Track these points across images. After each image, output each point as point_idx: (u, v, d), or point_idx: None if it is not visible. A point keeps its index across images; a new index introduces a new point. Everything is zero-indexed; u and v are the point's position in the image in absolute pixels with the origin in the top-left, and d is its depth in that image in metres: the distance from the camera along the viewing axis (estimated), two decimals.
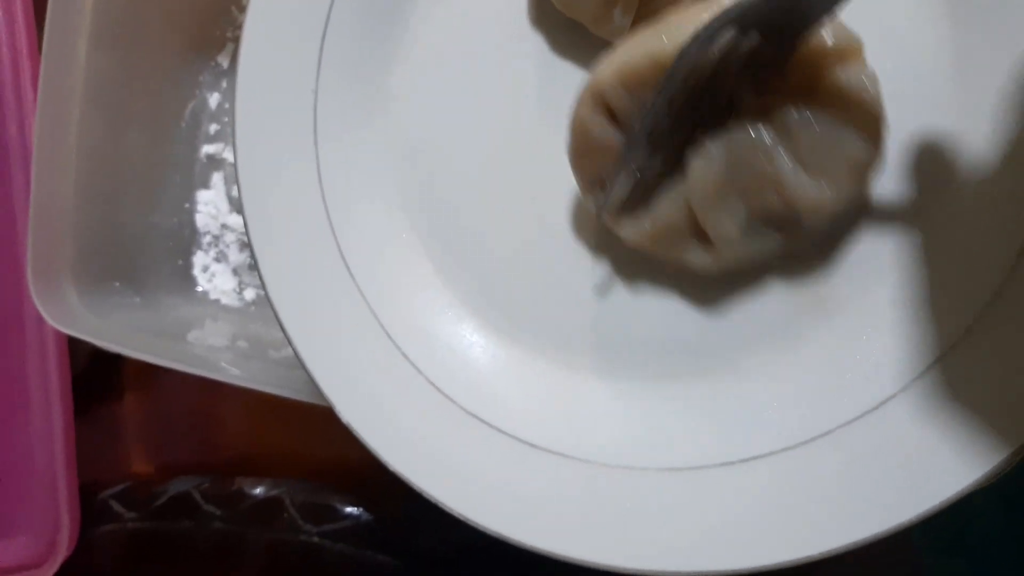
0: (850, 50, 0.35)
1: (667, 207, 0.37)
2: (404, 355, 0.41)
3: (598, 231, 0.41)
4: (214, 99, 0.63)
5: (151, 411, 0.63)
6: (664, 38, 0.35)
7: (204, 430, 0.62)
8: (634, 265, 0.41)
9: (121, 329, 0.53)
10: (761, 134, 0.35)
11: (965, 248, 0.36)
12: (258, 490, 0.55)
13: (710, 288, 0.40)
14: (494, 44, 0.43)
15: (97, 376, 0.62)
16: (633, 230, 0.38)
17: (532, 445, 0.39)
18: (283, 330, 0.40)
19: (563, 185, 0.41)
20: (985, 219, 0.36)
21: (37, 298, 0.50)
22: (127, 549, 0.56)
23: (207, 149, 0.62)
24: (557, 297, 0.41)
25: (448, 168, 0.44)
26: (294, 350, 0.40)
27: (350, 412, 0.39)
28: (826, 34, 0.35)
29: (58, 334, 0.53)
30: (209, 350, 0.54)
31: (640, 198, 0.38)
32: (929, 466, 0.34)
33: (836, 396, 0.36)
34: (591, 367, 0.41)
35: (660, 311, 0.40)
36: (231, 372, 0.49)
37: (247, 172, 0.42)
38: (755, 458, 0.37)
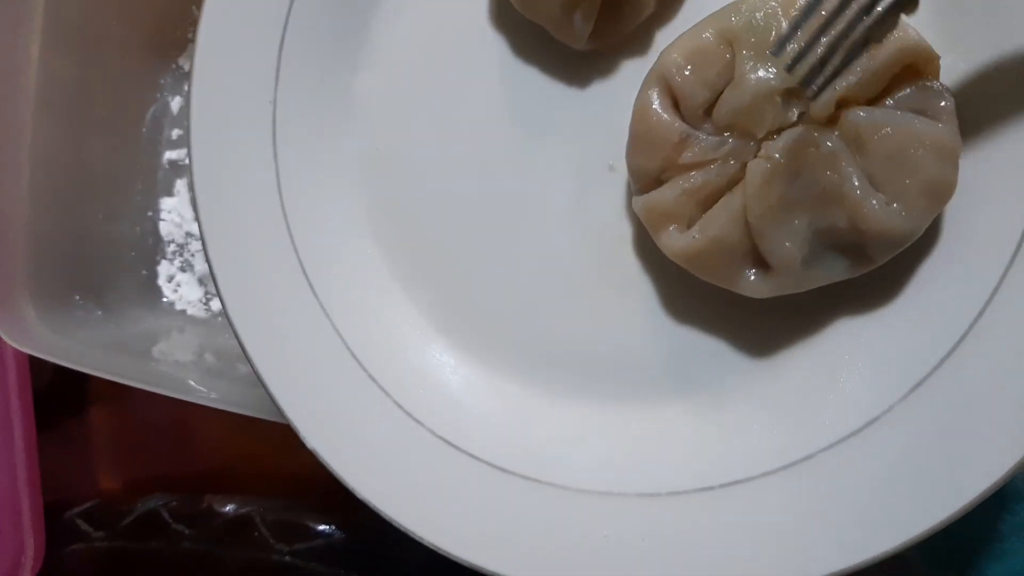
0: (928, 63, 0.34)
1: (721, 219, 0.35)
2: (370, 376, 0.41)
3: (574, 246, 0.41)
4: (176, 103, 0.62)
5: (119, 424, 0.63)
6: (733, 18, 0.35)
7: (174, 443, 0.62)
8: (611, 284, 0.41)
9: (83, 346, 0.52)
10: (827, 138, 0.34)
11: (946, 272, 0.36)
12: (228, 508, 0.54)
13: (689, 309, 0.40)
14: (456, 47, 0.43)
15: (62, 389, 0.61)
16: (679, 241, 0.36)
17: (504, 470, 0.39)
18: (244, 353, 0.40)
19: (534, 194, 0.41)
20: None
21: None
22: (94, 569, 0.56)
23: (170, 155, 0.61)
24: (530, 316, 0.41)
25: (413, 177, 0.43)
26: (256, 374, 0.39)
27: (315, 437, 0.39)
28: (902, 45, 0.34)
29: (17, 352, 0.52)
30: (176, 366, 0.53)
31: (694, 207, 0.36)
32: (914, 491, 0.34)
33: (817, 420, 0.36)
34: (565, 389, 0.40)
35: (637, 332, 0.40)
36: (198, 392, 0.48)
37: (204, 189, 0.41)
38: (736, 483, 0.36)
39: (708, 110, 0.36)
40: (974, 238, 0.36)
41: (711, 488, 0.36)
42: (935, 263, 0.37)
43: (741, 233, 0.35)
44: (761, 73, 0.34)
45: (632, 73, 0.41)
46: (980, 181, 0.36)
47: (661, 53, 0.37)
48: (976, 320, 0.35)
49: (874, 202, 0.34)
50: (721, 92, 0.35)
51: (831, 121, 0.34)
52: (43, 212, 0.53)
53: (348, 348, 0.41)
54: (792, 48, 0.33)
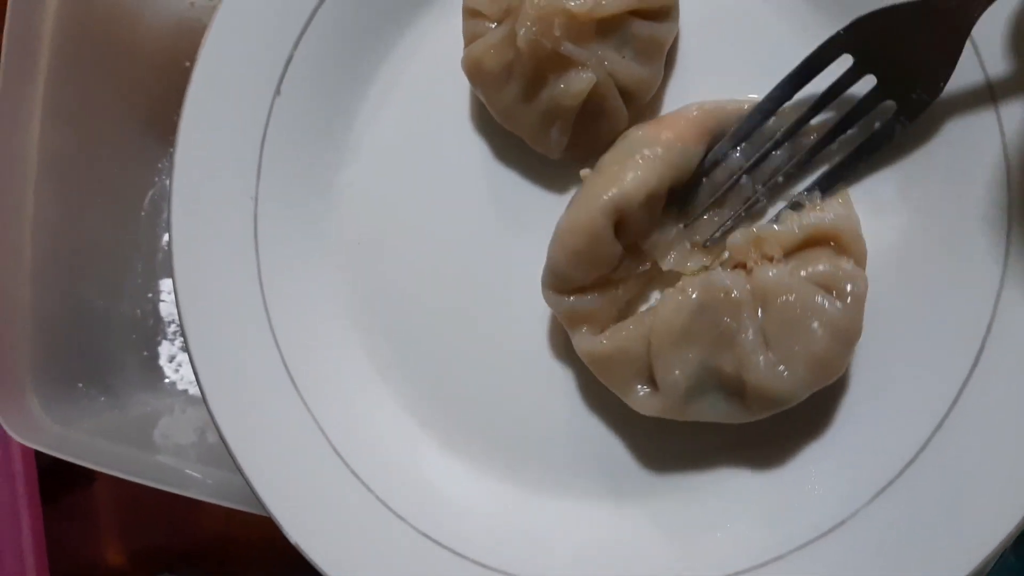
0: (852, 242, 0.36)
1: (629, 333, 0.38)
2: (353, 472, 0.42)
3: (553, 342, 0.42)
4: None
5: (124, 497, 0.65)
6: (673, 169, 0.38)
7: (179, 514, 0.63)
8: (590, 382, 0.41)
9: (86, 436, 0.54)
10: (738, 287, 0.36)
11: (912, 377, 0.38)
12: None
13: None
14: (437, 150, 0.44)
15: (68, 463, 0.62)
16: (589, 343, 0.38)
17: (486, 567, 0.40)
18: (227, 449, 0.41)
19: (512, 293, 0.43)
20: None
21: None
22: None
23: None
24: (510, 411, 0.42)
25: (394, 273, 0.45)
26: (239, 469, 0.41)
27: (298, 532, 0.40)
28: (831, 218, 0.36)
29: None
30: (176, 452, 0.54)
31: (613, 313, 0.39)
32: None
33: (789, 520, 0.37)
34: (545, 484, 0.41)
35: (617, 431, 0.41)
36: (196, 484, 0.49)
37: (185, 285, 0.42)
38: None
39: (636, 243, 0.39)
40: (936, 348, 0.37)
41: None
42: (899, 368, 0.38)
43: (643, 350, 0.37)
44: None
45: None
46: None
47: (623, 183, 0.38)
48: (940, 425, 0.36)
49: (761, 358, 0.36)
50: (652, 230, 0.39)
51: (749, 269, 0.37)
52: (46, 299, 0.55)
53: (330, 443, 0.42)
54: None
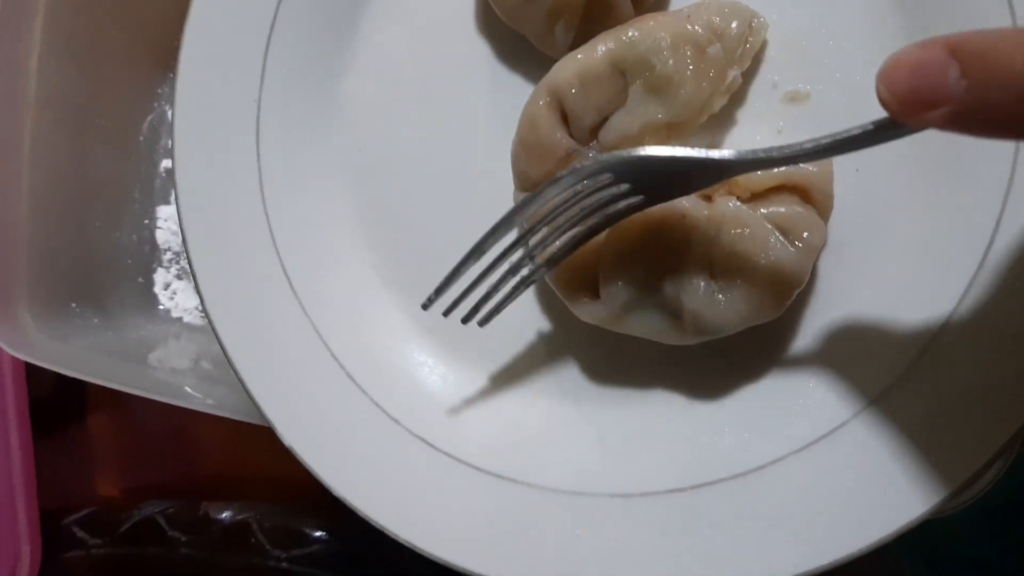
0: (821, 197, 0.36)
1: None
2: (348, 375, 0.42)
3: None
4: None
5: (118, 431, 0.64)
6: (627, 50, 0.37)
7: (173, 450, 0.63)
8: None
9: (80, 353, 0.54)
10: (697, 212, 0.36)
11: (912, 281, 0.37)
12: (225, 515, 0.56)
13: None
14: (442, 53, 0.44)
15: (62, 397, 0.62)
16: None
17: (479, 469, 0.40)
18: (223, 350, 0.41)
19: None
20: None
21: None
22: None
23: (167, 163, 0.63)
24: (508, 316, 0.41)
25: (396, 180, 0.44)
26: (233, 368, 0.41)
27: (292, 434, 0.40)
28: (807, 173, 0.36)
29: (14, 358, 0.53)
30: (172, 373, 0.54)
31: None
32: (878, 494, 0.35)
33: (787, 423, 0.37)
34: (539, 389, 0.42)
35: (612, 336, 0.40)
36: (194, 398, 0.49)
37: (185, 184, 0.43)
38: (706, 484, 0.37)
39: (595, 129, 0.38)
40: (930, 270, 0.37)
41: (682, 490, 0.37)
42: (895, 290, 0.38)
43: (592, 259, 0.37)
44: (651, 107, 0.37)
45: None
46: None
47: (555, 66, 0.38)
48: (934, 339, 0.36)
49: (702, 283, 0.36)
50: (609, 115, 0.38)
51: (710, 197, 0.37)
52: (42, 221, 0.55)
53: (327, 347, 0.42)
54: None
